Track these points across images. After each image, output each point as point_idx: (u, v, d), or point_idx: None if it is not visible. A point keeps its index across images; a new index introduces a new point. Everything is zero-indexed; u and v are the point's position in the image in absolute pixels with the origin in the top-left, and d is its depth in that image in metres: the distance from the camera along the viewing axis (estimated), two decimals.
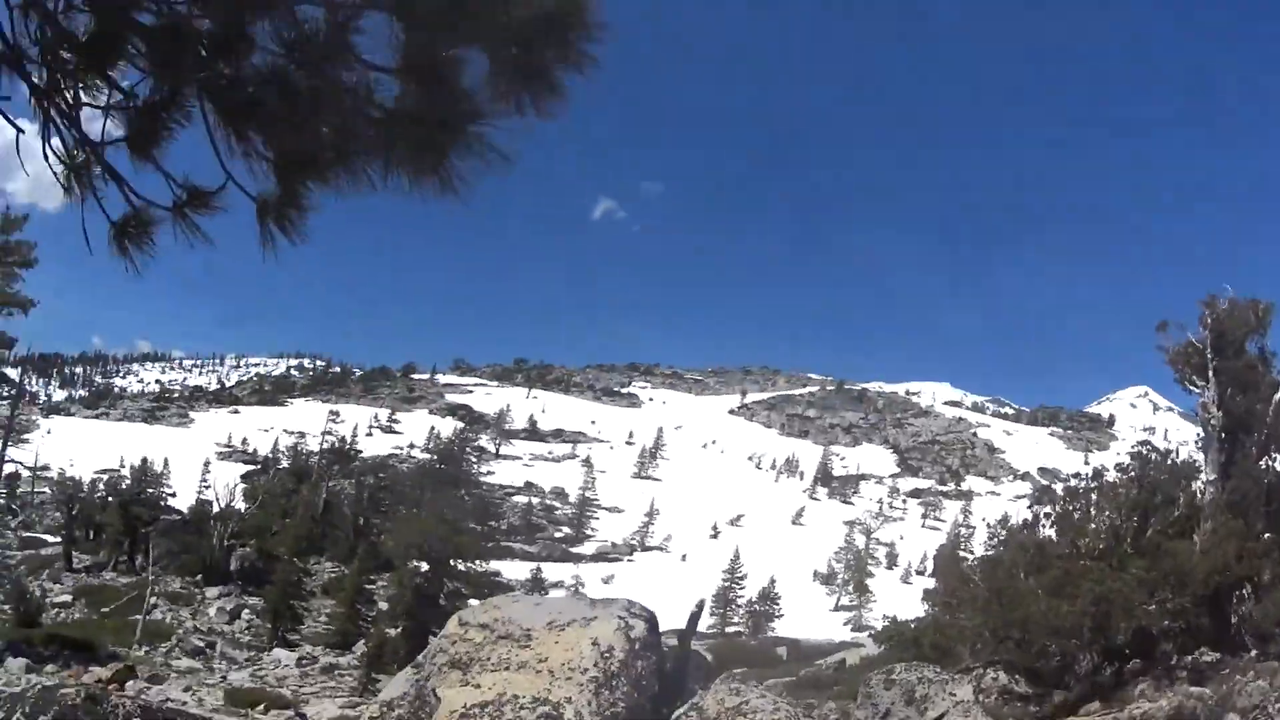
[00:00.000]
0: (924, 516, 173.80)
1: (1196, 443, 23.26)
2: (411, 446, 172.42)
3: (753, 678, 41.92)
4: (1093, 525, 19.76)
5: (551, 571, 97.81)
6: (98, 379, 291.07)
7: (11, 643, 43.20)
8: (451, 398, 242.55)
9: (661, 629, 56.52)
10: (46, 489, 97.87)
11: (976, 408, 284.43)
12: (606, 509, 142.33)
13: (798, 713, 12.18)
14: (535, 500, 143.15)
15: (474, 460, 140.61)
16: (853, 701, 16.69)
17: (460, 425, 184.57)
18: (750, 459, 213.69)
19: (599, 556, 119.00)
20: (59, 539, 76.06)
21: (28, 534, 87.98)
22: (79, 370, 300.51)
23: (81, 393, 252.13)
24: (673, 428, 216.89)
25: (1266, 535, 18.96)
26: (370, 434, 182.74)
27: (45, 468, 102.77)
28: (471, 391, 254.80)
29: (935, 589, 31.51)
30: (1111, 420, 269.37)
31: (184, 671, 43.32)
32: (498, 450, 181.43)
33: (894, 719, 15.34)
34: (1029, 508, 22.97)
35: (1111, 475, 22.74)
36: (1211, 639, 17.98)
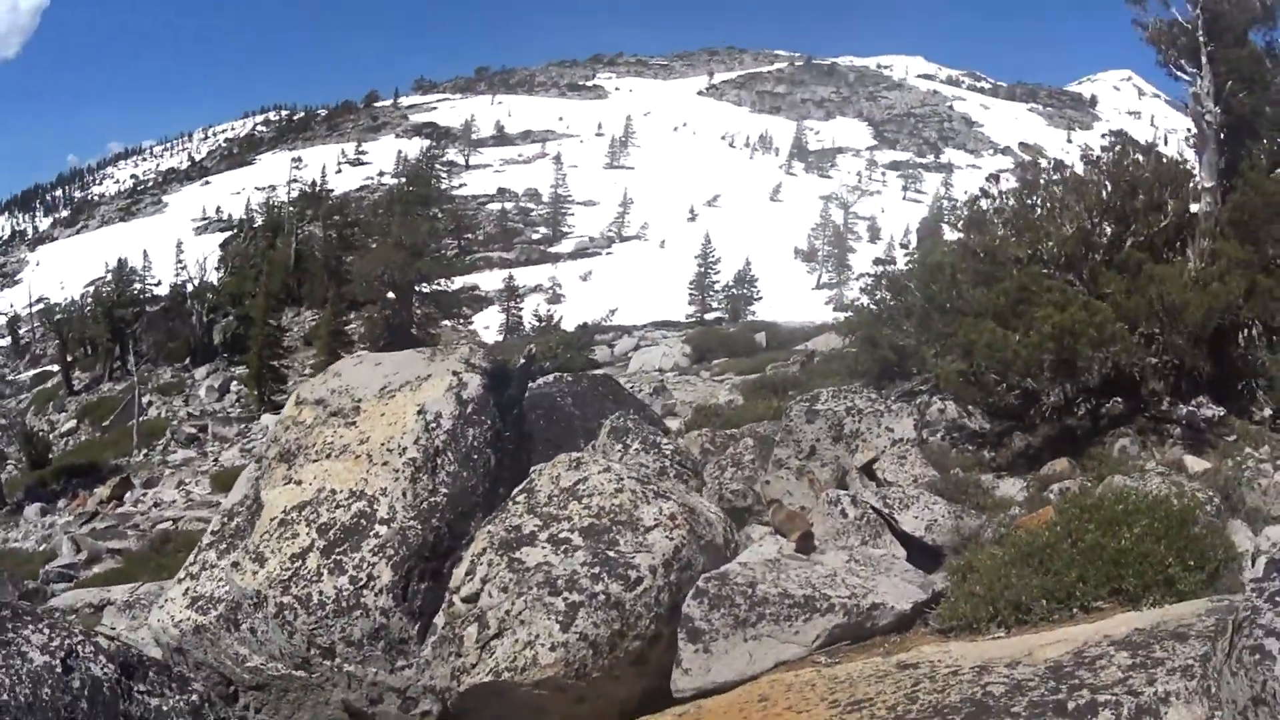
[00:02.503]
0: (904, 189, 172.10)
1: (1187, 140, 19.45)
2: (381, 174, 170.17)
3: (731, 369, 41.55)
4: (1058, 227, 16.07)
5: (530, 275, 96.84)
6: (77, 195, 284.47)
7: (28, 488, 44.99)
8: (416, 118, 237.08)
9: (643, 321, 55.48)
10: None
11: (951, 81, 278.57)
12: (581, 204, 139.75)
13: (645, 490, 10.08)
14: (509, 205, 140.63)
15: (444, 175, 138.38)
16: (779, 432, 14.68)
17: (427, 143, 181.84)
18: (723, 138, 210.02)
19: (577, 253, 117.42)
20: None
21: (36, 370, 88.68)
22: (59, 194, 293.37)
23: (64, 214, 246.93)
24: (641, 115, 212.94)
25: None
26: (340, 171, 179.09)
27: (40, 300, 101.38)
28: (436, 108, 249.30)
29: (872, 282, 28.72)
30: (1094, 100, 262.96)
31: (179, 465, 43.73)
32: (467, 161, 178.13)
33: (820, 460, 13.52)
34: (981, 188, 19.21)
35: (1079, 166, 19.31)
36: (1213, 386, 15.06)
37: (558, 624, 9.01)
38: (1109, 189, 16.42)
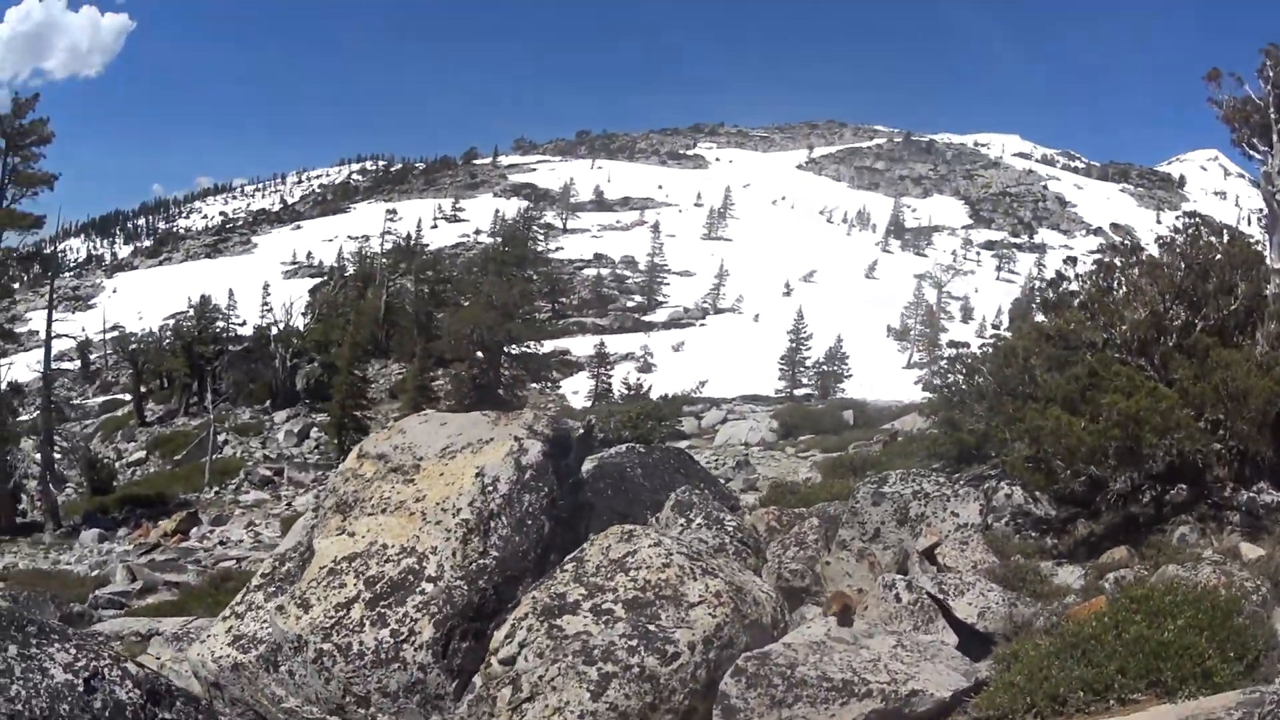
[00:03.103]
0: (998, 269, 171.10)
1: (1259, 220, 18.94)
2: (477, 232, 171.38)
3: (816, 446, 41.50)
4: (1132, 310, 15.85)
5: (622, 343, 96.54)
6: (161, 226, 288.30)
7: (87, 514, 44.75)
8: (515, 178, 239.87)
9: (732, 394, 55.61)
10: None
11: (1046, 160, 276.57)
12: (677, 273, 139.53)
13: (694, 567, 10.20)
14: (605, 271, 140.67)
15: (540, 237, 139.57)
16: (844, 513, 14.61)
17: (524, 204, 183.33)
18: (821, 213, 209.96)
19: (671, 323, 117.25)
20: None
21: (105, 397, 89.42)
22: (141, 222, 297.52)
23: (146, 244, 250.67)
24: (740, 186, 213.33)
25: None
26: (435, 226, 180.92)
27: (115, 327, 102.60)
28: (535, 169, 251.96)
29: (947, 365, 28.28)
30: (1182, 181, 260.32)
31: (250, 506, 43.96)
32: (565, 225, 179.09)
33: (883, 543, 13.44)
34: (1057, 270, 18.86)
35: (1153, 248, 18.94)
36: (1275, 472, 14.30)
37: (588, 693, 9.05)
38: (1182, 271, 16.21)
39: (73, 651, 7.89)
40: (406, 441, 11.81)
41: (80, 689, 7.64)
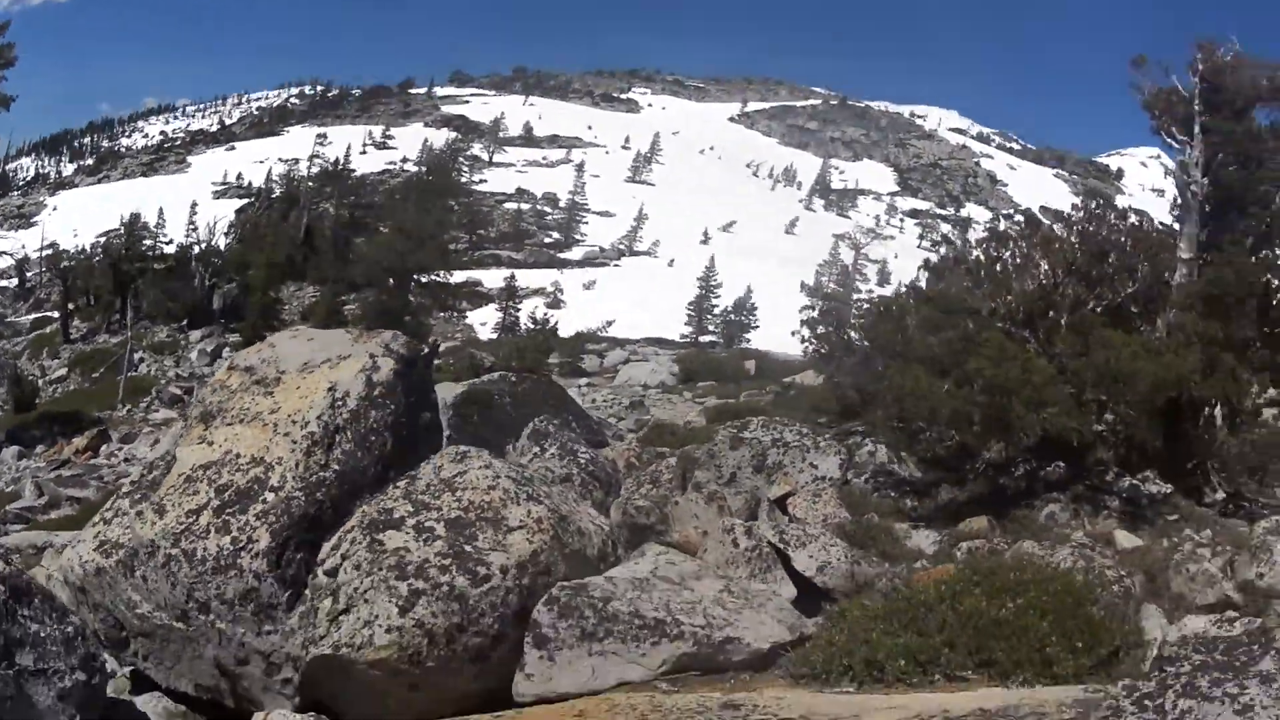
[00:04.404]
0: (920, 238, 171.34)
1: (1171, 210, 18.73)
2: (405, 161, 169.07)
3: (713, 394, 41.35)
4: (1021, 281, 15.47)
5: (535, 278, 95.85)
6: (105, 144, 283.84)
7: (9, 431, 43.99)
8: (448, 109, 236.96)
9: (638, 336, 55.24)
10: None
11: (982, 138, 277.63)
12: (597, 213, 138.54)
13: (519, 491, 10.22)
14: (525, 206, 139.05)
15: (465, 169, 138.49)
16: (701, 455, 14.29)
17: (454, 135, 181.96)
18: (748, 166, 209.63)
19: (585, 261, 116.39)
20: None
21: (37, 314, 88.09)
22: (87, 141, 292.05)
23: (89, 162, 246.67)
24: (670, 133, 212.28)
25: (1258, 347, 14.98)
26: (365, 152, 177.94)
27: (51, 245, 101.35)
28: (469, 102, 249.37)
29: (818, 318, 27.90)
30: (1120, 174, 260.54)
31: (159, 424, 43.18)
32: (491, 158, 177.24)
33: (736, 488, 13.14)
34: (944, 234, 18.34)
35: (1056, 225, 18.55)
36: (1164, 463, 14.28)
37: (396, 608, 9.15)
38: (1079, 249, 15.88)
39: None
40: (274, 355, 11.87)
41: None
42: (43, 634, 8.16)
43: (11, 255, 74.21)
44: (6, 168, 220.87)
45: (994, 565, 9.21)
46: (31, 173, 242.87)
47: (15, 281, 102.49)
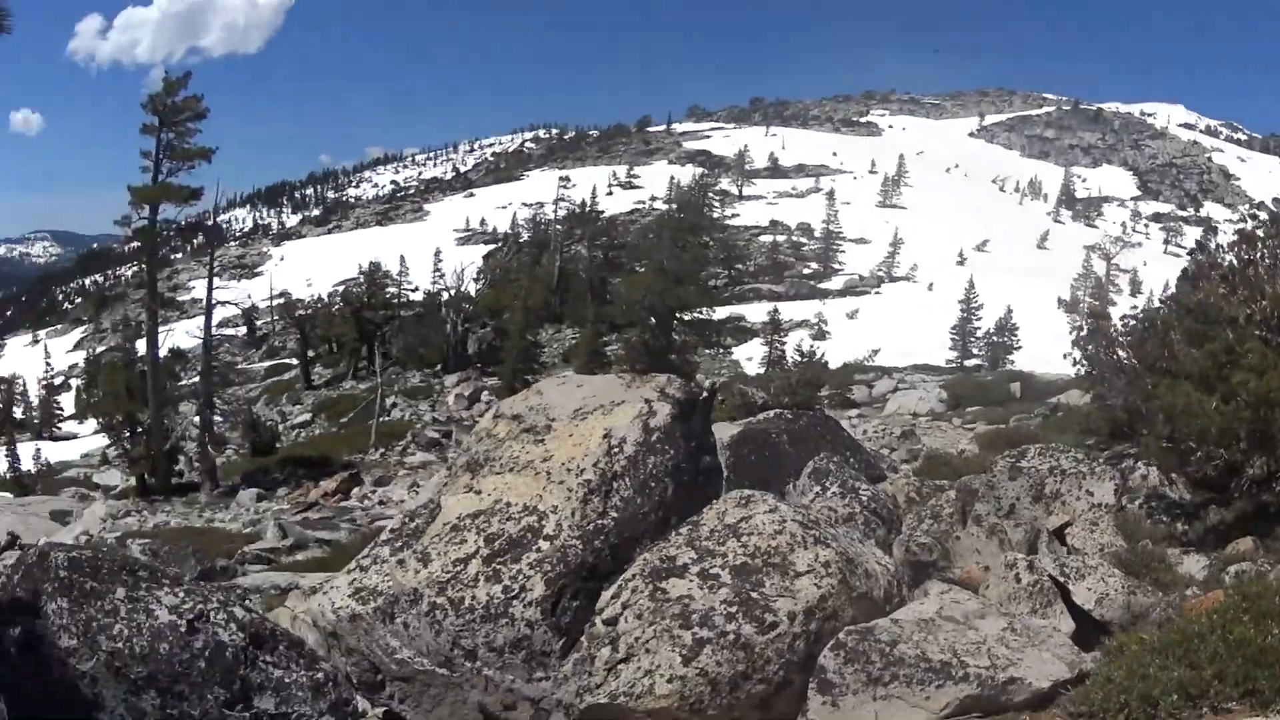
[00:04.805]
0: (1166, 242, 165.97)
1: None
2: (652, 199, 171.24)
3: (981, 418, 41.00)
4: (1274, 284, 14.87)
5: (797, 310, 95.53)
6: (330, 195, 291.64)
7: (246, 474, 45.23)
8: (689, 145, 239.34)
9: (904, 363, 55.19)
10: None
11: (1210, 131, 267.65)
12: (852, 241, 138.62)
13: (806, 535, 10.17)
14: (780, 238, 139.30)
15: (715, 204, 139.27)
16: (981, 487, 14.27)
17: (699, 171, 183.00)
18: (994, 181, 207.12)
19: (846, 290, 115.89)
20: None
21: (271, 362, 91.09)
22: (309, 192, 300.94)
23: (314, 213, 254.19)
24: (914, 154, 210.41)
25: None
26: (610, 193, 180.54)
27: (282, 294, 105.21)
28: (709, 136, 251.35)
29: (1085, 338, 27.24)
30: None
31: (415, 467, 44.08)
32: (740, 192, 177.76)
33: (1015, 520, 12.94)
34: (1197, 240, 17.67)
35: None
36: None
37: (680, 657, 9.09)
38: None
39: (180, 595, 8.33)
40: (542, 402, 11.90)
41: (183, 629, 8.05)
42: (287, 679, 8.41)
43: (237, 305, 77.10)
44: (219, 219, 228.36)
45: (1261, 589, 8.88)
46: (249, 224, 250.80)
47: (244, 330, 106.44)
